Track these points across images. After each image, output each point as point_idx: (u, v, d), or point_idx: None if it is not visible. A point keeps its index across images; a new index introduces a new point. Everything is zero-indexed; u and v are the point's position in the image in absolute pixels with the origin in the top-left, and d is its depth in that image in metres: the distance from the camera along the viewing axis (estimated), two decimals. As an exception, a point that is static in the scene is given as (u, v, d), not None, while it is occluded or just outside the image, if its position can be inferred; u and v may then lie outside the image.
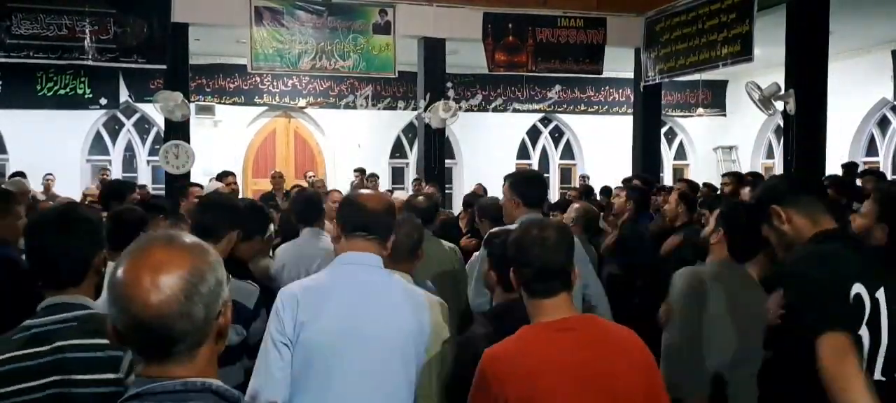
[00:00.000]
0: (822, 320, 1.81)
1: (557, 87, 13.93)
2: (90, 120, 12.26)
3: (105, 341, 1.73)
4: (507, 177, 3.65)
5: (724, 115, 14.74)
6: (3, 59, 8.69)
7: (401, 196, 6.43)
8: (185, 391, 1.16)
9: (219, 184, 6.60)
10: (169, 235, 1.24)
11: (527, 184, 3.61)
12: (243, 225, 2.92)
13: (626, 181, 7.68)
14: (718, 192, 6.59)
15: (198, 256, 1.21)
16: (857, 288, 1.89)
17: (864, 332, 1.89)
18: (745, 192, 4.51)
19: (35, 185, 9.50)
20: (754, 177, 7.37)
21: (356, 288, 2.14)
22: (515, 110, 13.98)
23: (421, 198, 4.38)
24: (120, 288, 1.17)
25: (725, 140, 14.66)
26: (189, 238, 1.25)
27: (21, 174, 8.68)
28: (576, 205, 4.80)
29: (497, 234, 2.80)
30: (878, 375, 1.92)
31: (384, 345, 2.14)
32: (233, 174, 7.47)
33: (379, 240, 2.22)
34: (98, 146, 12.70)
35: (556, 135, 14.97)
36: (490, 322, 2.49)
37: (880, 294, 1.93)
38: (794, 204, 2.12)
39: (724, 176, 6.77)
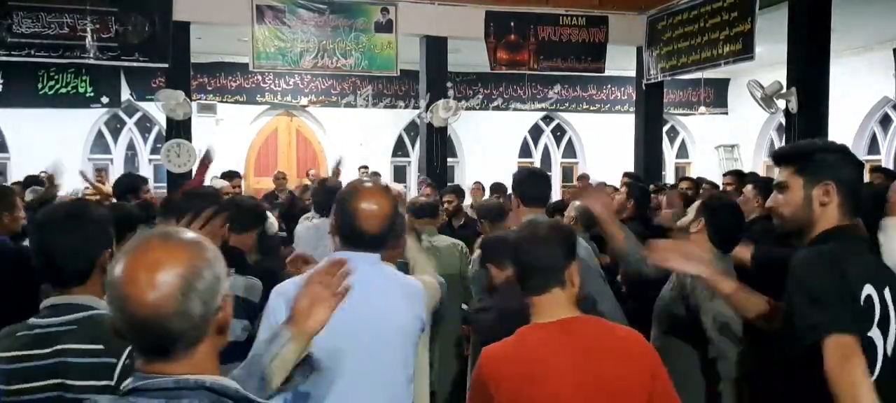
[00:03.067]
0: (829, 322, 1.78)
1: (559, 86, 13.93)
2: (92, 118, 12.25)
3: (101, 346, 1.72)
4: (513, 176, 3.65)
5: (726, 113, 14.73)
6: (4, 58, 8.69)
7: (399, 188, 6.47)
8: (177, 388, 1.17)
9: (224, 183, 6.59)
10: (166, 232, 1.25)
11: (527, 183, 3.57)
12: (228, 213, 2.89)
13: (628, 174, 7.66)
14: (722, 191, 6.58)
15: (194, 252, 1.20)
16: (868, 290, 1.86)
17: (875, 334, 1.86)
18: (748, 189, 4.48)
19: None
20: (755, 177, 7.39)
21: (371, 284, 2.11)
22: (517, 109, 13.97)
23: (423, 198, 4.41)
24: (117, 286, 1.17)
25: (727, 138, 14.63)
26: (186, 234, 1.25)
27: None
28: (576, 203, 4.78)
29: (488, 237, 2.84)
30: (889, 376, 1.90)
31: (382, 341, 2.13)
32: (239, 176, 7.44)
33: (376, 251, 2.18)
34: (100, 145, 12.70)
35: (558, 133, 14.95)
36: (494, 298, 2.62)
37: (888, 294, 1.91)
38: (844, 192, 1.99)
39: (725, 174, 6.76)
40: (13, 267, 3.39)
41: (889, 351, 1.88)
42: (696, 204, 2.97)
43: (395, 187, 6.40)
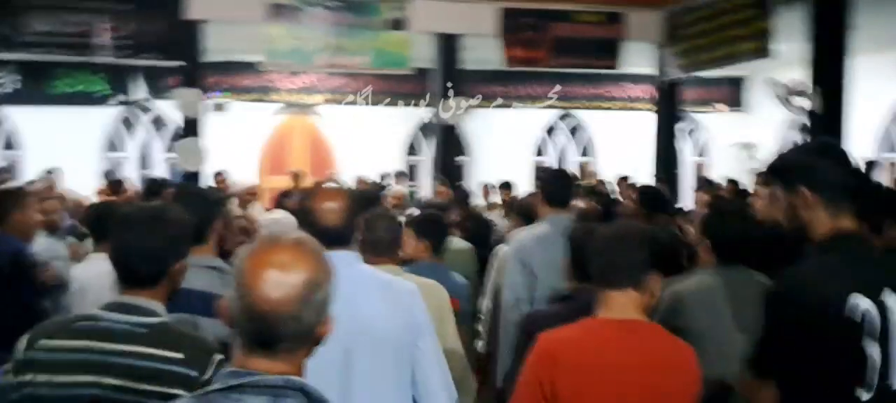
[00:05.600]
0: (760, 363, 1.88)
1: (575, 83, 13.81)
2: (106, 116, 12.30)
3: (181, 356, 1.69)
4: (539, 174, 3.71)
5: (745, 111, 14.55)
6: (21, 56, 8.75)
7: (400, 189, 6.40)
8: (285, 387, 1.22)
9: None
10: (299, 238, 1.33)
11: (551, 183, 3.68)
12: (223, 215, 2.82)
13: (622, 181, 7.51)
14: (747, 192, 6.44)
15: (320, 264, 1.29)
16: (855, 300, 1.77)
17: (869, 345, 1.78)
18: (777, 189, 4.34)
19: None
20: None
21: (347, 285, 2.08)
22: (532, 106, 13.87)
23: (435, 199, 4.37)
24: (244, 276, 1.24)
25: (746, 136, 14.44)
26: (314, 244, 1.33)
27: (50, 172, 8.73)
28: (579, 203, 4.75)
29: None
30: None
31: (378, 340, 2.07)
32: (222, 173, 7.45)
33: (346, 247, 2.15)
34: (114, 143, 12.76)
35: (574, 131, 14.83)
36: (560, 300, 2.65)
37: (888, 297, 1.81)
38: (822, 193, 1.92)
39: (758, 175, 6.63)
40: (11, 272, 3.38)
41: (891, 358, 1.80)
42: (699, 222, 2.96)
43: (396, 190, 6.36)
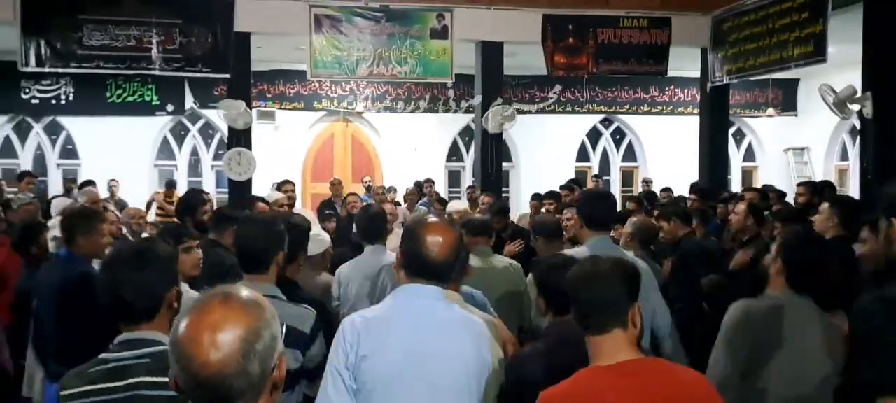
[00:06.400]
0: (880, 382, 1.65)
1: (619, 87, 13.64)
2: (157, 125, 12.62)
3: None
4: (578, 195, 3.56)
5: (796, 115, 14.17)
6: (75, 70, 9.03)
7: (458, 206, 6.34)
8: None
9: (279, 195, 6.67)
10: (226, 292, 1.28)
11: (591, 205, 3.48)
12: (285, 245, 2.85)
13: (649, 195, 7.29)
14: (790, 202, 6.28)
15: (254, 313, 1.25)
16: None
17: None
18: (824, 208, 4.20)
19: (102, 191, 9.83)
20: (828, 187, 7.03)
21: (417, 320, 2.12)
22: (575, 111, 13.75)
23: (478, 214, 4.28)
24: (180, 346, 1.21)
25: (797, 141, 14.08)
26: (245, 293, 1.29)
27: (91, 182, 8.97)
28: (633, 219, 4.61)
29: (540, 260, 2.72)
30: None
31: (444, 379, 2.10)
32: (292, 183, 7.55)
33: (441, 282, 2.18)
34: (165, 151, 13.09)
35: (618, 136, 14.64)
36: (541, 340, 2.51)
37: None
38: None
39: (799, 185, 6.44)
40: (80, 292, 3.46)
41: None
42: (777, 243, 2.79)
43: (454, 207, 6.31)
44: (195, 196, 4.77)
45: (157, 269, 1.94)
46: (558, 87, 11.92)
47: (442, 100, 12.94)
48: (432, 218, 2.26)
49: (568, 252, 3.57)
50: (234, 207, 8.91)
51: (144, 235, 5.84)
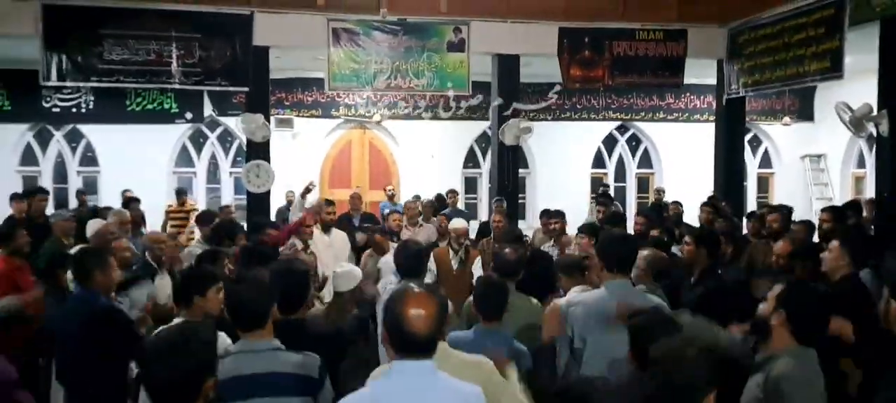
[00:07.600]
0: None
1: (635, 95, 13.63)
2: (176, 133, 12.76)
3: None
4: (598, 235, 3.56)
5: (812, 122, 14.09)
6: (95, 84, 9.18)
7: (460, 225, 6.29)
8: None
9: (314, 200, 6.74)
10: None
11: (612, 247, 3.50)
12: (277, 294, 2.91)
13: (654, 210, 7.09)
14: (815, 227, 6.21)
15: None
16: None
17: None
18: (834, 246, 4.12)
19: (115, 202, 9.97)
20: (853, 210, 6.97)
21: (408, 398, 2.12)
22: (591, 118, 13.75)
23: (508, 250, 4.27)
24: None
25: (814, 148, 14.00)
26: None
27: (136, 199, 9.15)
28: (645, 253, 4.45)
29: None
30: None
31: None
32: (332, 203, 7.31)
33: (429, 356, 2.16)
34: (183, 158, 13.23)
35: (634, 143, 14.62)
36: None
37: None
38: None
39: (823, 211, 6.37)
40: (100, 327, 3.58)
41: None
42: (775, 291, 2.70)
43: (456, 225, 6.31)
44: (231, 227, 4.87)
45: (197, 357, 1.95)
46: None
47: (459, 108, 12.79)
48: (413, 289, 2.20)
49: (590, 293, 3.61)
50: (253, 213, 9.05)
51: (187, 251, 5.93)
